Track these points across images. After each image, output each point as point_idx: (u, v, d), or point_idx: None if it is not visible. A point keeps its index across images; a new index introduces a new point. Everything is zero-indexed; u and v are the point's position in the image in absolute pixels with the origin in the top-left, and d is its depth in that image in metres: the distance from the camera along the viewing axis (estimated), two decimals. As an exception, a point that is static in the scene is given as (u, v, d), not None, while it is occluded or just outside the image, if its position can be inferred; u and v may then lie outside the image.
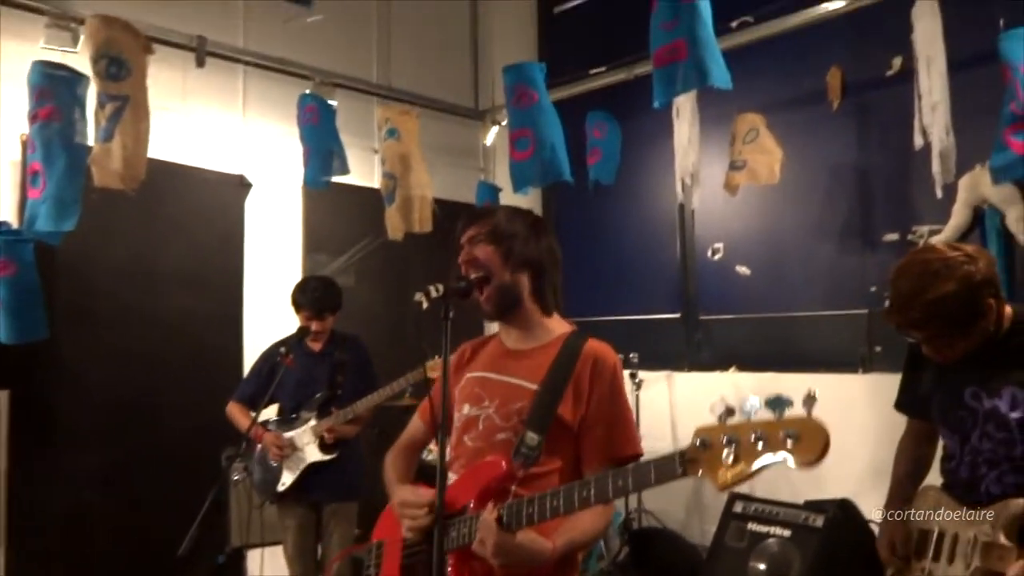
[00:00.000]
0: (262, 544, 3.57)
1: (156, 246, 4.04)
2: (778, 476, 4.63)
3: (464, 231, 1.67)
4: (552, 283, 1.67)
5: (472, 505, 1.50)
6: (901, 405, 1.88)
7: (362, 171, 4.84)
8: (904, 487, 1.83)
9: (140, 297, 3.93)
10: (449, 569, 1.51)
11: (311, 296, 3.17)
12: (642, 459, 1.38)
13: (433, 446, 1.71)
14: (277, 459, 3.15)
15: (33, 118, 2.91)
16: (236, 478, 3.41)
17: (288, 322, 4.24)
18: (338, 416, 3.13)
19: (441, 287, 1.54)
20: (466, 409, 1.66)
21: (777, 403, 1.18)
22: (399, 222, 3.85)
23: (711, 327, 4.49)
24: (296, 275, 4.60)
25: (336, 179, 3.97)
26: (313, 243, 4.69)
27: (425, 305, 1.53)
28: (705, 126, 3.94)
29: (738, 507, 3.42)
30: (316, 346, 3.27)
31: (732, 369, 3.92)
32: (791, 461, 1.15)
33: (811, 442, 1.14)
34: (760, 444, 1.17)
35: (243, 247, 4.39)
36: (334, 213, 4.78)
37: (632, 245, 4.77)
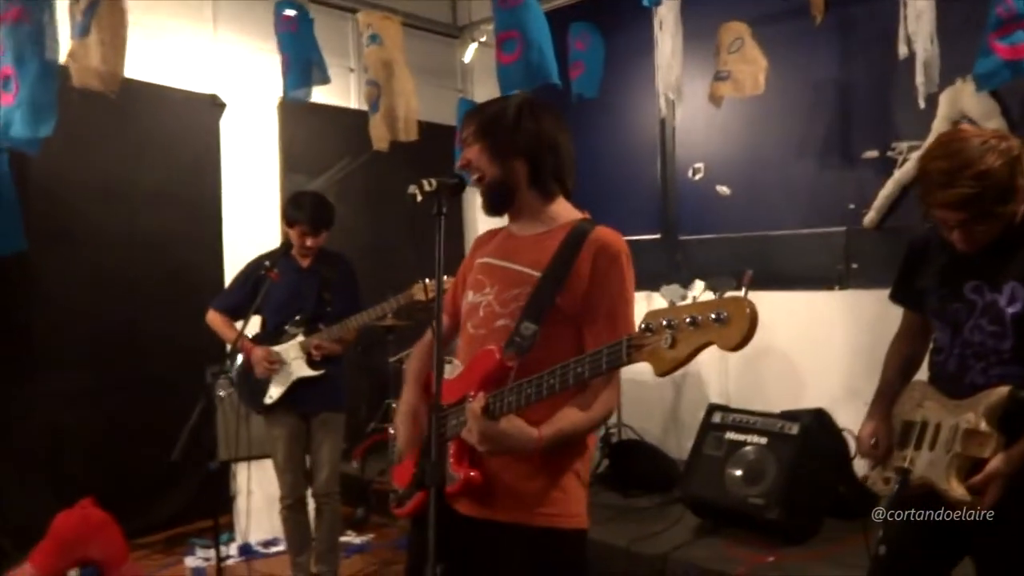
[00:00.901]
0: (249, 458, 3.63)
1: (131, 165, 3.99)
2: (755, 388, 4.77)
3: (459, 136, 1.67)
4: (553, 166, 1.62)
5: (473, 394, 1.51)
6: (896, 296, 1.88)
7: (339, 91, 4.78)
8: (893, 385, 1.83)
9: (116, 216, 3.91)
10: (450, 456, 1.54)
11: (309, 211, 3.15)
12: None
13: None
14: (265, 374, 3.17)
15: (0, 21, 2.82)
16: (221, 394, 3.40)
17: (268, 242, 4.27)
18: (328, 333, 3.12)
19: (434, 182, 1.50)
20: (470, 296, 1.67)
21: (717, 283, 1.20)
22: (384, 131, 3.83)
23: (690, 247, 4.52)
24: (275, 195, 4.61)
25: (313, 99, 3.91)
26: (291, 163, 4.65)
27: (419, 199, 1.48)
28: (688, 40, 3.88)
29: (716, 417, 3.50)
30: (304, 262, 3.26)
31: (702, 287, 3.95)
32: (718, 344, 1.13)
33: (738, 323, 1.12)
34: (693, 327, 1.17)
35: (220, 167, 4.34)
36: (311, 133, 4.72)
37: (613, 163, 4.76)
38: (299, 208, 3.16)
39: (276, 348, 3.20)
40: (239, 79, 4.45)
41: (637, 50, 4.36)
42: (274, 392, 3.17)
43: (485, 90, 5.05)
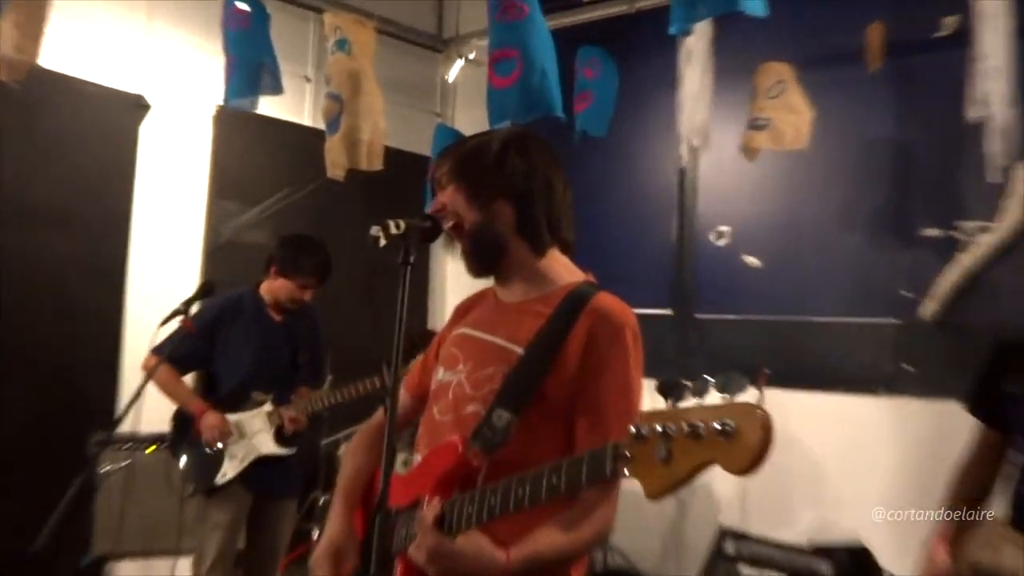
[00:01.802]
0: (135, 554, 3.51)
1: (26, 173, 3.91)
2: (779, 510, 4.71)
3: (432, 176, 1.71)
4: (546, 211, 1.64)
5: (427, 498, 1.49)
6: (978, 406, 1.88)
7: (291, 103, 4.83)
8: (960, 515, 1.81)
9: (4, 235, 3.82)
10: None
11: (322, 264, 3.39)
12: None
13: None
14: (213, 445, 3.20)
15: None
16: (107, 468, 3.34)
17: (184, 281, 4.21)
18: (304, 404, 3.27)
19: (403, 224, 1.52)
20: (440, 374, 1.68)
21: (728, 383, 1.16)
22: (342, 156, 3.84)
23: (708, 328, 4.53)
24: (198, 224, 4.58)
25: (259, 110, 3.94)
26: (222, 186, 4.66)
27: (383, 243, 1.50)
28: (720, 78, 3.97)
29: (729, 546, 3.44)
30: (278, 315, 3.44)
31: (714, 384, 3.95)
32: (721, 464, 1.09)
33: (746, 439, 1.07)
34: (693, 438, 1.12)
35: (133, 183, 4.32)
36: (251, 152, 4.75)
37: (620, 218, 4.80)
38: (311, 257, 3.39)
39: (237, 417, 3.23)
40: (171, 79, 4.47)
41: (658, 84, 4.44)
42: (229, 470, 3.19)
43: (469, 117, 5.11)
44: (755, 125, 3.74)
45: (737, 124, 3.91)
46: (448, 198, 1.64)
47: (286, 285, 3.41)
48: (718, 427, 1.09)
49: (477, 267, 1.66)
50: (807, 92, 3.73)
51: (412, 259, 1.51)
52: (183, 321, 3.01)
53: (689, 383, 4.01)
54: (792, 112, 3.67)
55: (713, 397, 1.15)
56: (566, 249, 1.70)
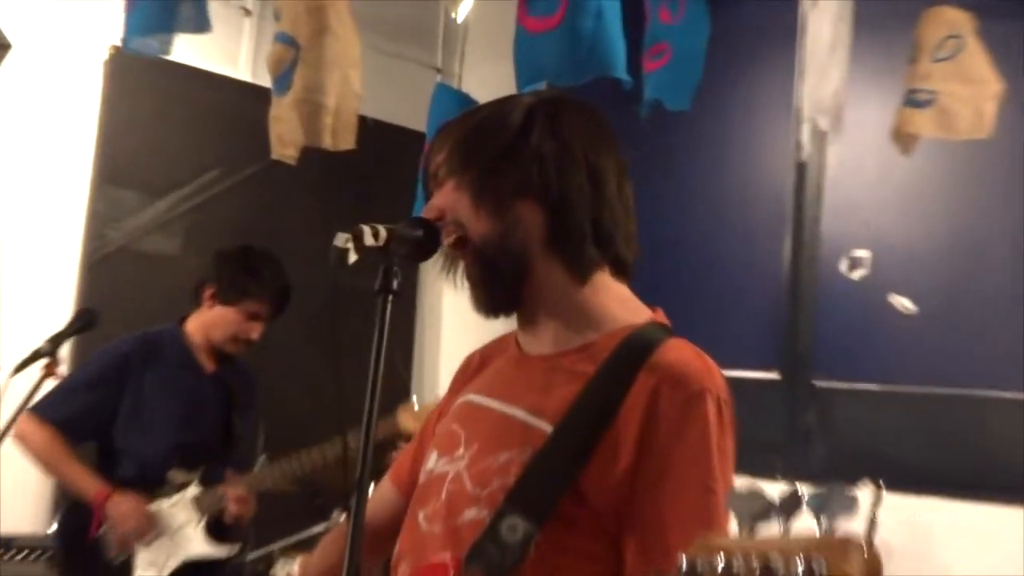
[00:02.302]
0: None
1: None
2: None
3: (424, 163, 1.80)
4: (592, 218, 1.70)
5: None
6: None
7: (221, 48, 4.87)
8: None
9: None
10: None
11: (275, 285, 3.73)
12: None
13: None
14: (126, 545, 3.32)
15: None
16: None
17: (54, 309, 4.17)
18: (254, 478, 3.46)
19: (383, 232, 1.56)
20: (431, 462, 1.75)
21: (823, 502, 1.16)
22: (294, 128, 3.80)
23: (834, 402, 4.51)
24: (76, 222, 4.58)
25: (174, 56, 3.95)
26: (113, 168, 4.67)
27: (352, 259, 1.56)
28: (863, 28, 3.89)
29: None
30: (210, 363, 3.74)
31: (866, 487, 3.85)
32: None
33: None
34: None
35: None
36: (159, 117, 4.78)
37: (705, 232, 4.83)
38: (263, 275, 3.69)
39: (152, 506, 3.35)
40: (47, 12, 4.49)
41: (767, 36, 4.47)
42: None
43: (484, 74, 5.15)
44: (914, 101, 3.65)
45: (886, 98, 3.88)
46: (446, 200, 1.71)
47: (228, 317, 3.67)
48: (801, 569, 1.08)
49: (489, 301, 1.72)
50: (993, 54, 3.65)
51: (396, 285, 1.55)
52: (46, 367, 3.03)
53: (796, 485, 3.94)
54: (970, 83, 3.60)
55: (807, 520, 1.16)
56: (623, 273, 1.76)
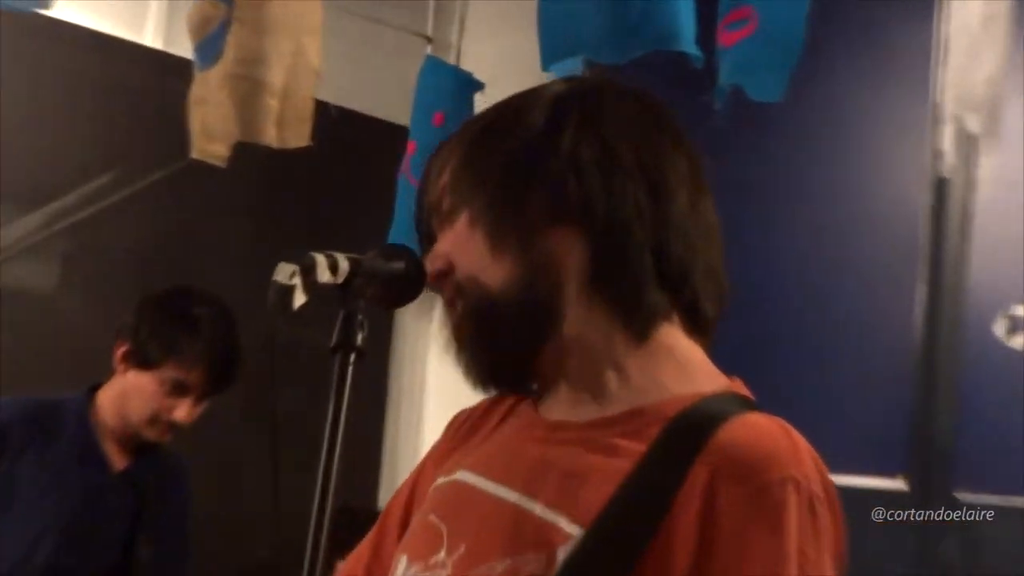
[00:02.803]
0: None
1: None
2: None
3: (420, 190, 1.84)
4: (654, 246, 1.67)
5: None
6: None
7: (123, 5, 4.97)
8: None
9: None
10: None
11: (213, 340, 3.68)
12: None
13: None
14: None
15: None
16: None
17: None
18: None
19: (344, 262, 1.57)
20: (402, 567, 1.72)
21: None
22: (224, 116, 3.90)
23: (983, 524, 4.48)
24: None
25: (57, 13, 4.08)
26: None
27: (301, 299, 1.57)
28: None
29: None
30: (121, 458, 3.71)
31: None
32: None
33: None
34: None
35: None
36: (37, 97, 4.83)
37: (800, 277, 4.88)
38: (189, 328, 3.66)
39: None
40: None
41: (894, 4, 4.52)
42: None
43: (491, 48, 5.25)
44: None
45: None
46: (457, 242, 1.73)
47: (144, 386, 3.62)
48: None
49: (487, 369, 1.75)
50: None
51: (361, 340, 1.58)
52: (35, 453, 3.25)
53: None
54: None
55: None
56: (701, 327, 1.76)
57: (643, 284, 1.67)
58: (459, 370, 1.73)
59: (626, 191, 1.67)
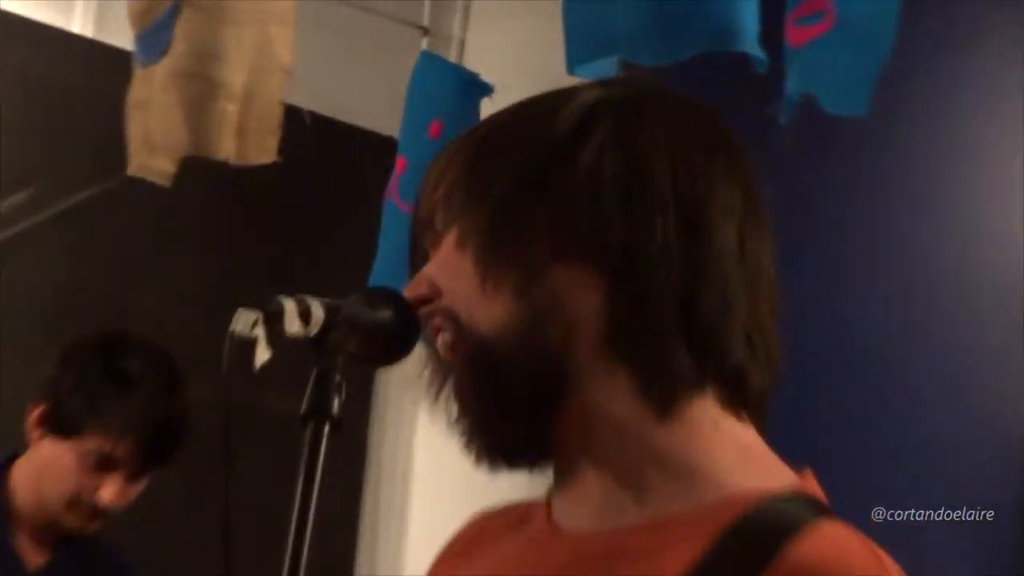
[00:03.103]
0: None
1: None
2: None
3: (415, 203, 1.82)
4: (687, 296, 1.63)
5: None
6: None
7: None
8: None
9: None
10: None
11: (150, 400, 3.63)
12: None
13: None
14: None
15: None
16: None
17: None
18: None
19: (319, 309, 1.54)
20: None
21: None
22: (171, 122, 3.92)
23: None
24: None
25: None
26: None
27: (264, 355, 1.55)
28: None
29: None
30: (37, 552, 3.69)
31: None
32: None
33: None
34: None
35: None
36: None
37: (887, 340, 4.82)
38: (123, 393, 3.62)
39: None
40: None
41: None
42: None
43: (499, 41, 5.27)
44: None
45: None
46: (443, 266, 1.70)
47: (62, 460, 3.57)
48: None
49: (492, 442, 1.69)
50: None
51: (337, 407, 1.55)
52: None
53: None
54: None
55: None
56: (745, 402, 1.70)
57: (664, 344, 1.63)
58: (452, 435, 1.67)
59: (653, 224, 1.63)
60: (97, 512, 3.55)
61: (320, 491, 1.50)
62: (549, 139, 1.66)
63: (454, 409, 1.68)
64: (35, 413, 3.57)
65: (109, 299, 4.91)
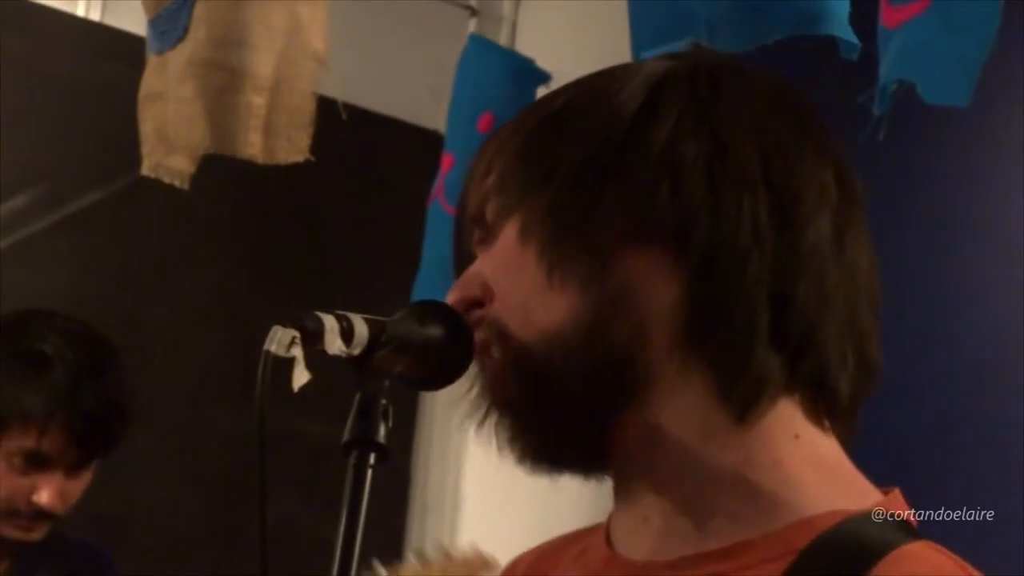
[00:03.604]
0: None
1: None
2: None
3: (462, 194, 1.81)
4: (778, 290, 1.63)
5: None
6: None
7: None
8: None
9: None
10: None
11: (81, 388, 3.59)
12: None
13: None
14: None
15: None
16: None
17: None
18: None
19: (362, 326, 1.54)
20: None
21: None
22: (190, 116, 3.93)
23: None
24: None
25: None
26: None
27: (303, 377, 1.54)
28: None
29: None
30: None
31: None
32: None
33: None
34: None
35: None
36: None
37: (979, 348, 4.82)
38: (41, 376, 3.60)
39: None
40: None
41: None
42: None
43: (554, 23, 5.29)
44: None
45: None
46: (497, 262, 1.70)
47: None
48: None
49: (544, 446, 1.69)
50: None
51: (383, 435, 1.55)
52: None
53: None
54: None
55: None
56: (832, 411, 1.70)
57: (751, 341, 1.62)
58: (495, 441, 1.67)
59: (741, 208, 1.62)
60: (39, 517, 3.55)
61: (366, 523, 1.50)
62: (616, 116, 1.65)
63: (490, 411, 1.68)
64: None
65: (120, 314, 4.90)
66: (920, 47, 3.82)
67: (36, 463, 3.52)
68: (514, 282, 1.66)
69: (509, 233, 1.67)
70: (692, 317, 1.62)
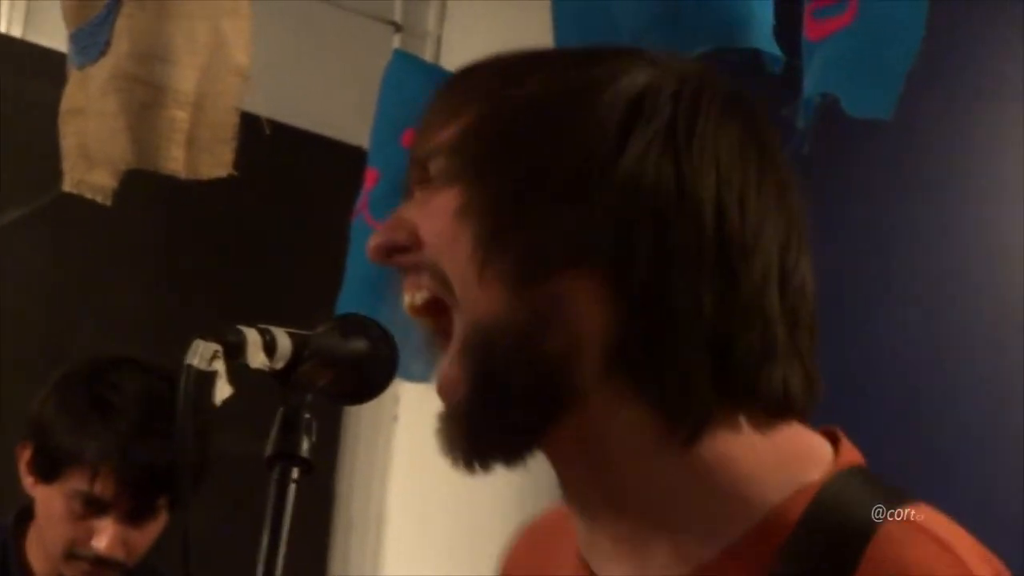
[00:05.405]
0: None
1: None
2: None
3: (414, 139, 1.78)
4: (717, 327, 1.60)
5: None
6: None
7: None
8: None
9: None
10: None
11: (138, 433, 3.49)
12: None
13: None
14: None
15: None
16: None
17: None
18: None
19: (285, 340, 1.56)
20: None
21: None
22: (111, 132, 3.91)
23: None
24: None
25: None
26: None
27: (225, 391, 1.55)
28: None
29: None
30: None
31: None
32: None
33: None
34: None
35: None
36: None
37: (907, 362, 4.85)
38: (101, 421, 3.50)
39: None
40: None
41: None
42: None
43: (479, 39, 5.27)
44: None
45: None
46: (433, 219, 1.65)
47: (52, 507, 3.53)
48: None
49: (476, 436, 1.65)
50: None
51: (306, 450, 1.58)
52: None
53: None
54: None
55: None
56: (780, 414, 1.68)
57: (687, 379, 1.60)
58: (437, 442, 1.62)
59: (688, 248, 1.60)
60: (100, 563, 3.49)
61: (289, 538, 1.51)
62: (593, 129, 1.61)
63: (441, 397, 1.64)
64: (24, 458, 3.57)
65: (42, 333, 4.90)
66: (843, 60, 3.83)
67: (93, 507, 3.47)
68: (448, 249, 1.63)
69: (448, 201, 1.64)
70: (622, 347, 1.61)
